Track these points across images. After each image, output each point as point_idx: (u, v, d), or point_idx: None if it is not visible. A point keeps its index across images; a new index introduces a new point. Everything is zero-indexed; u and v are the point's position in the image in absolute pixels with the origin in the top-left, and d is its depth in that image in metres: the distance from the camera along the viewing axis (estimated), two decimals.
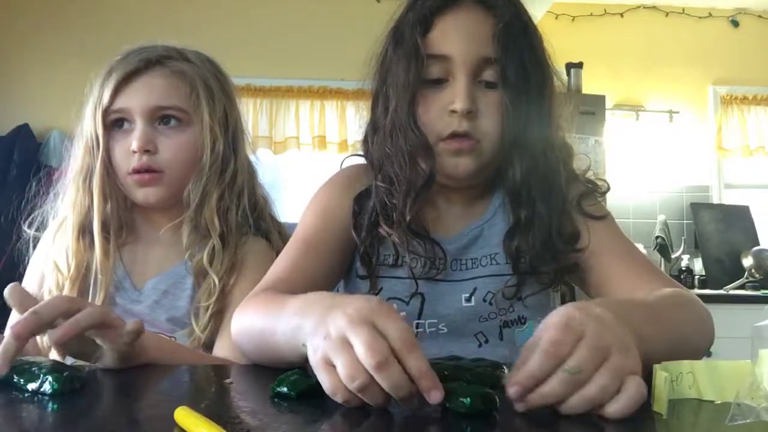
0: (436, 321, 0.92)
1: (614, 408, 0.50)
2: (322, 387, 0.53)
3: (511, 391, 0.50)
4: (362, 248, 0.92)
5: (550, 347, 0.50)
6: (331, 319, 0.54)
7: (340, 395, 0.52)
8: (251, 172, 1.13)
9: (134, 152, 1.01)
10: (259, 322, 0.74)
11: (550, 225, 0.91)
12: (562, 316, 0.53)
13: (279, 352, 0.67)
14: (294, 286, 0.83)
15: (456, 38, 0.88)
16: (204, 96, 1.04)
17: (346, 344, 0.52)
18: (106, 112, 1.02)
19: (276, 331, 0.67)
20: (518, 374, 0.50)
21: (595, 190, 0.98)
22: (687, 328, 0.75)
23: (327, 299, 0.62)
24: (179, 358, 0.80)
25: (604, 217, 0.95)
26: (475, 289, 0.93)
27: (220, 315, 0.99)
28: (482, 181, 0.95)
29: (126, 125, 1.03)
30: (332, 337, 0.53)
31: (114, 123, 1.03)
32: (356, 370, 0.50)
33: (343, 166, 1.03)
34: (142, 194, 1.03)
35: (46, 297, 1.02)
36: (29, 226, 1.08)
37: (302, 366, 0.61)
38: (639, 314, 0.66)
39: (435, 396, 0.50)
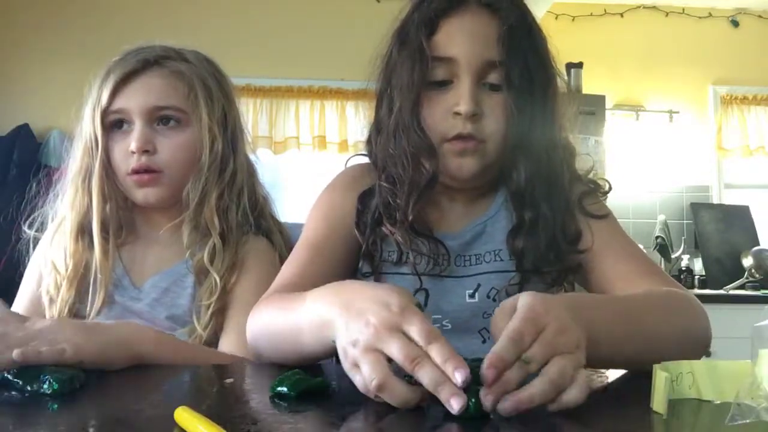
0: (440, 317, 0.92)
1: (569, 396, 0.53)
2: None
3: (488, 372, 0.52)
4: (365, 246, 0.93)
5: (515, 335, 0.54)
6: (357, 327, 0.57)
7: (370, 392, 0.54)
8: (251, 171, 1.14)
9: (133, 153, 1.01)
10: (276, 321, 0.76)
11: (554, 226, 0.91)
12: (527, 307, 0.56)
13: (303, 347, 0.69)
14: (302, 290, 0.83)
15: (461, 40, 0.88)
16: (202, 96, 1.04)
17: (376, 352, 0.55)
18: (104, 112, 1.02)
19: (298, 327, 0.69)
20: (490, 357, 0.53)
21: (597, 190, 0.98)
22: (667, 328, 0.75)
23: (343, 293, 0.65)
24: (182, 353, 0.81)
25: (606, 216, 0.95)
26: (478, 285, 0.93)
27: (221, 313, 0.99)
28: (485, 181, 0.95)
29: (125, 126, 1.03)
30: (361, 346, 0.56)
31: (113, 124, 1.03)
32: (374, 370, 0.53)
33: (347, 166, 1.03)
34: (142, 194, 1.03)
35: (44, 297, 1.02)
36: (29, 227, 1.08)
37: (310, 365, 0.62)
38: (605, 311, 0.69)
39: (460, 376, 0.51)
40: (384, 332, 0.55)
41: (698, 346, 0.79)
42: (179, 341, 0.91)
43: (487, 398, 0.52)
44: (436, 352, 0.53)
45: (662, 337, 0.73)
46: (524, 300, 0.58)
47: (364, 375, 0.54)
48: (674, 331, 0.76)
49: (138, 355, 0.75)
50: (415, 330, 0.54)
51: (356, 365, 0.56)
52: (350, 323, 0.58)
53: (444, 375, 0.52)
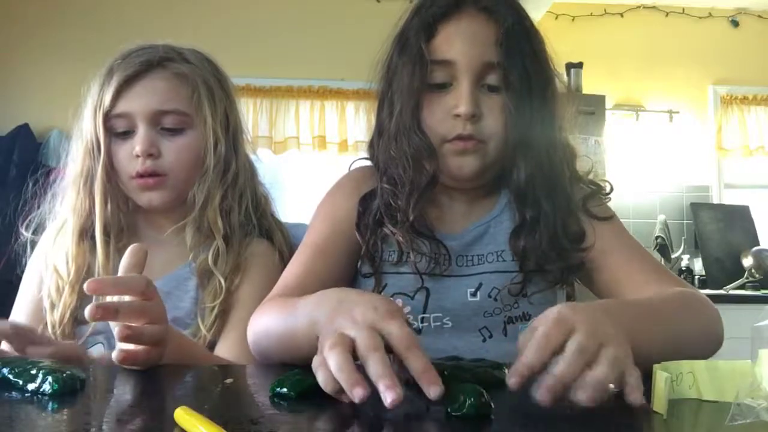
0: (440, 315, 0.93)
1: (636, 395, 0.52)
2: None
3: (511, 381, 0.52)
4: (365, 247, 0.94)
5: (542, 339, 0.53)
6: (340, 320, 0.58)
7: (323, 380, 0.54)
8: (252, 172, 1.13)
9: (137, 156, 1.00)
10: (277, 323, 0.77)
11: (555, 224, 0.92)
12: (554, 313, 0.56)
13: (299, 348, 0.69)
14: (306, 291, 0.85)
15: (459, 44, 0.89)
16: (205, 98, 1.04)
17: (347, 339, 0.54)
18: (107, 115, 1.01)
19: (295, 329, 0.71)
20: (515, 365, 0.52)
21: (600, 192, 0.99)
22: (689, 329, 0.76)
23: (337, 294, 0.66)
24: (193, 358, 0.82)
25: (611, 218, 0.96)
26: (480, 285, 0.94)
27: (225, 315, 0.99)
28: (486, 182, 0.96)
29: (128, 128, 1.03)
30: (336, 334, 0.56)
31: (116, 130, 1.03)
32: (339, 352, 0.53)
33: (351, 169, 1.04)
34: (147, 198, 1.03)
35: (45, 301, 1.02)
36: (26, 228, 1.08)
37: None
38: (635, 314, 0.69)
39: (434, 391, 0.51)
40: (361, 325, 0.55)
41: (714, 345, 0.80)
42: (207, 353, 0.92)
43: (543, 394, 0.50)
44: (414, 363, 0.52)
45: (686, 337, 0.74)
46: (552, 309, 0.57)
47: (324, 345, 0.54)
48: (695, 330, 0.77)
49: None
50: (393, 332, 0.54)
51: (323, 362, 0.54)
52: (337, 317, 0.59)
53: (389, 369, 0.51)
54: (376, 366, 0.51)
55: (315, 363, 0.55)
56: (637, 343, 0.58)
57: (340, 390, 0.52)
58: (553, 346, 0.53)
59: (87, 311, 0.67)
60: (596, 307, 0.61)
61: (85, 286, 0.69)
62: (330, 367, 0.52)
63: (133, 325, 0.69)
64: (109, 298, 0.72)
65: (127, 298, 0.71)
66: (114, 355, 0.69)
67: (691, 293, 0.84)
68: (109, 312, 0.69)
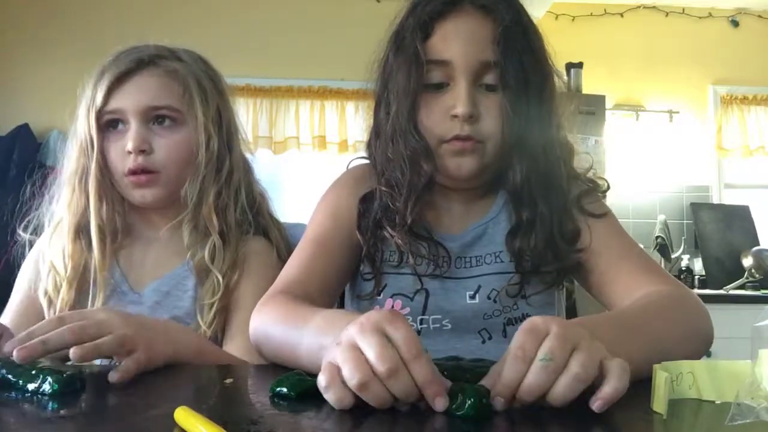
0: (440, 317, 0.93)
1: (607, 388, 0.51)
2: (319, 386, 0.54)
3: (497, 404, 0.52)
4: (366, 248, 0.93)
5: (517, 352, 0.53)
6: (344, 331, 0.55)
7: (336, 399, 0.52)
8: (247, 170, 1.13)
9: (129, 153, 1.00)
10: (279, 331, 0.75)
11: (552, 224, 0.91)
12: (525, 323, 0.55)
13: (302, 365, 0.68)
14: (307, 286, 0.85)
15: (456, 43, 0.88)
16: (197, 94, 1.04)
17: (356, 349, 0.53)
18: (99, 113, 1.01)
19: (299, 348, 0.69)
20: (497, 387, 0.53)
21: (596, 189, 0.98)
22: (672, 333, 0.75)
23: (346, 318, 0.64)
24: (202, 355, 0.82)
25: (605, 214, 0.95)
26: (479, 287, 0.93)
27: (224, 311, 1.00)
28: (484, 182, 0.95)
29: (120, 126, 1.03)
30: (343, 344, 0.54)
31: (108, 124, 1.03)
32: (357, 369, 0.51)
33: (351, 166, 1.04)
34: (139, 195, 1.03)
35: (42, 299, 1.02)
36: (24, 230, 1.08)
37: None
38: (612, 326, 0.69)
39: (439, 403, 0.51)
40: (367, 328, 0.53)
41: (702, 345, 0.79)
42: (216, 349, 0.91)
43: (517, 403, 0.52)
44: (419, 373, 0.51)
45: (671, 343, 0.73)
46: (522, 324, 0.57)
47: (345, 375, 0.51)
48: (678, 334, 0.76)
49: (176, 361, 0.76)
50: (399, 337, 0.52)
51: (334, 364, 0.53)
52: (344, 334, 0.56)
53: (414, 387, 0.51)
54: (402, 385, 0.51)
55: (323, 381, 0.53)
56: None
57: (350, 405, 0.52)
58: (530, 357, 0.52)
59: (15, 357, 0.64)
60: (571, 321, 0.61)
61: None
62: (398, 395, 0.51)
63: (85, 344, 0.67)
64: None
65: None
66: (110, 376, 0.67)
67: (677, 294, 0.82)
68: (35, 350, 0.65)
